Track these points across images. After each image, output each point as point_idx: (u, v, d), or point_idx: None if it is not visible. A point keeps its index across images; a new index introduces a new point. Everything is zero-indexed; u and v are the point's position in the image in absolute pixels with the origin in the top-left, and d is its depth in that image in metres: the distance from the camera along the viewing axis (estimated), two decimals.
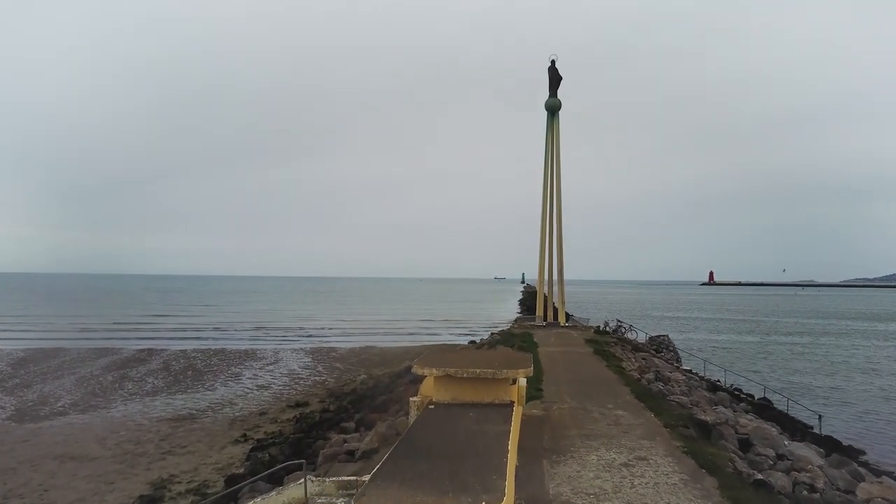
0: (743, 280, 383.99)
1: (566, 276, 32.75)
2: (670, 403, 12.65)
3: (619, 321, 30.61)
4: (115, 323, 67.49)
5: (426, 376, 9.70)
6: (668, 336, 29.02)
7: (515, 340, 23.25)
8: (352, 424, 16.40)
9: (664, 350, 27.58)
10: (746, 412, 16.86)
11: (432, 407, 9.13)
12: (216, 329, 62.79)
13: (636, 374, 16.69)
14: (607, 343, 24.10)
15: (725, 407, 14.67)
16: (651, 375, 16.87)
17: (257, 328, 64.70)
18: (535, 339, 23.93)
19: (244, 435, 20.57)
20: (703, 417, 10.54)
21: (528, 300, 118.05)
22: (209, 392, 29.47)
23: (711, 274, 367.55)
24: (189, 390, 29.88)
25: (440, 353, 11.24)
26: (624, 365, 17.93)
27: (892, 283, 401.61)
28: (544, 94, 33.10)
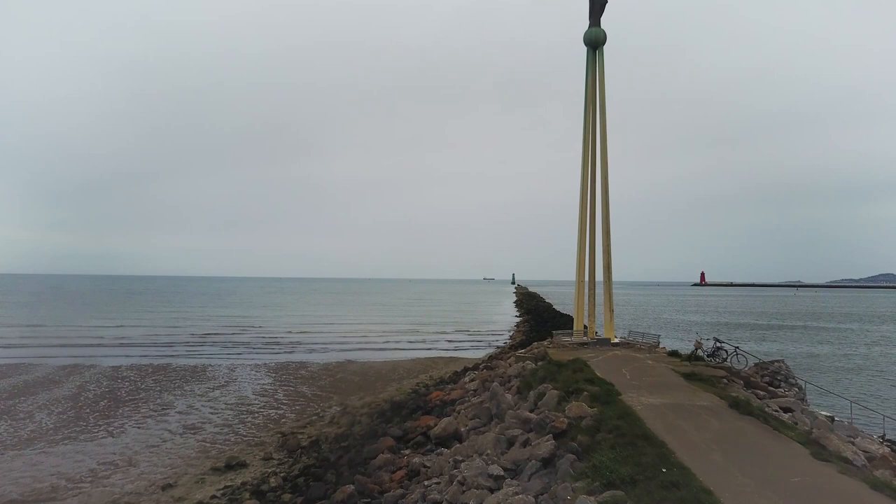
0: (735, 281, 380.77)
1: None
2: None
3: (717, 341, 21.66)
4: (54, 332, 57.87)
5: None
6: (783, 362, 20.34)
7: (566, 374, 14.57)
8: None
9: (783, 384, 19.09)
10: None
11: None
12: (170, 338, 53.63)
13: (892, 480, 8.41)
14: (717, 379, 15.38)
15: None
16: None
17: (218, 338, 55.53)
18: (598, 373, 15.09)
19: None
20: None
21: (525, 302, 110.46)
22: (110, 439, 20.62)
23: (703, 275, 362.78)
24: (82, 435, 20.99)
25: None
26: (845, 453, 9.42)
27: (879, 284, 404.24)
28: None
